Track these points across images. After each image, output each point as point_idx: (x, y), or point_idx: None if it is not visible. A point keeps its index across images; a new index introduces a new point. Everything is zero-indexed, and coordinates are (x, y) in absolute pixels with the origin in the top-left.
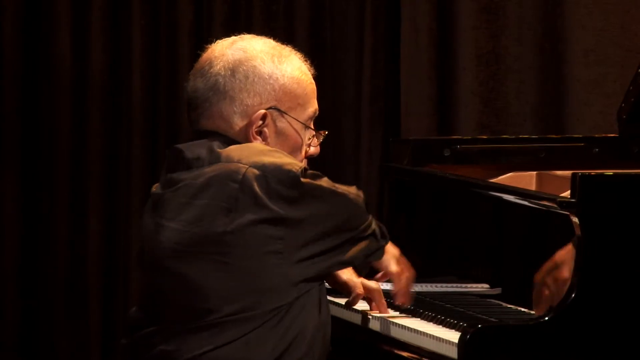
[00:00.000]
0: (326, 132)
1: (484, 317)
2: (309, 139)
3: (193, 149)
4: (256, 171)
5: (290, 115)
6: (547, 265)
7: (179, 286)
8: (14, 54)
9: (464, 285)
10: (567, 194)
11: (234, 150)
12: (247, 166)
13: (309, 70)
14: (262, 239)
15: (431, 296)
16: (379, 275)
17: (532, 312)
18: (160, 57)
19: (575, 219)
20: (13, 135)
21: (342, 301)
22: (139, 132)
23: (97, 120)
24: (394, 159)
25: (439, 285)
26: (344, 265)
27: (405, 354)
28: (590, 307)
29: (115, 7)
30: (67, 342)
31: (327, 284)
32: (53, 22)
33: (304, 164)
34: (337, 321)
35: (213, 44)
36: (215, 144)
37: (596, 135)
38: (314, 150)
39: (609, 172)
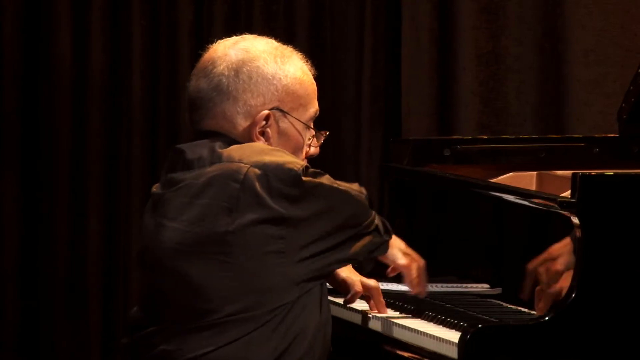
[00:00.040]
0: (327, 133)
1: (484, 317)
2: (309, 139)
3: (195, 149)
4: (257, 170)
5: (292, 116)
6: (542, 256)
7: (180, 286)
8: (14, 54)
9: (464, 285)
10: (567, 194)
11: (235, 150)
12: (248, 166)
13: (310, 71)
14: (264, 239)
15: (431, 296)
16: (389, 269)
17: (532, 312)
18: (160, 57)
19: (575, 219)
20: (13, 135)
21: (342, 301)
22: (139, 132)
23: (97, 120)
24: (394, 159)
25: (439, 285)
26: (346, 261)
27: (405, 354)
28: (590, 307)
29: (115, 7)
30: (67, 342)
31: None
32: (53, 22)
33: (305, 162)
34: (337, 321)
35: (215, 44)
36: (217, 144)
37: (596, 135)
38: (313, 150)
39: (609, 172)
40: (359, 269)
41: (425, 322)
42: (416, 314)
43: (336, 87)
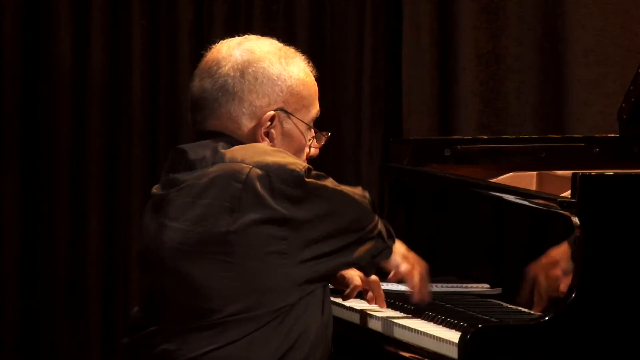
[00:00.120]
0: (329, 134)
1: (484, 317)
2: (309, 139)
3: (197, 149)
4: (259, 171)
5: (296, 117)
6: (542, 260)
7: (182, 286)
8: (14, 54)
9: (464, 285)
10: (567, 194)
11: (237, 151)
12: (250, 166)
13: (312, 72)
14: (266, 239)
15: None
16: (390, 275)
17: (532, 312)
18: (160, 57)
19: (575, 219)
20: (13, 135)
21: (341, 297)
22: (139, 132)
23: (97, 120)
24: (394, 159)
25: (439, 285)
26: (349, 265)
27: (405, 353)
28: (590, 307)
29: (115, 7)
30: (67, 342)
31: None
32: (53, 22)
33: (307, 164)
34: (337, 321)
35: (217, 44)
36: (220, 145)
37: (596, 135)
38: (313, 151)
39: (609, 172)
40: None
41: (425, 322)
42: (416, 314)
43: (336, 87)
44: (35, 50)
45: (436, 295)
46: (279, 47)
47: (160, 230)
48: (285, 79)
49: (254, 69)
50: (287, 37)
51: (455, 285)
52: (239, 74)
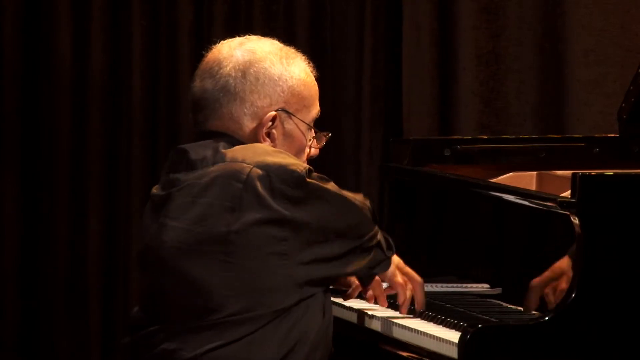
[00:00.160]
0: (330, 135)
1: (484, 317)
2: (310, 140)
3: (198, 149)
4: (260, 171)
5: (297, 117)
6: (546, 275)
7: (182, 285)
8: (14, 54)
9: (464, 285)
10: (567, 194)
11: (238, 151)
12: (251, 166)
13: (312, 72)
14: (266, 240)
15: (431, 296)
16: (384, 287)
17: (532, 312)
18: (160, 57)
19: (575, 219)
20: (13, 135)
21: (342, 300)
22: (139, 132)
23: (97, 120)
24: (394, 159)
25: (439, 285)
26: (348, 275)
27: (405, 353)
28: (590, 307)
29: (115, 7)
30: (67, 342)
31: None
32: (53, 22)
33: (307, 165)
34: (337, 321)
35: (218, 45)
36: (221, 145)
37: (596, 135)
38: (313, 151)
39: (609, 172)
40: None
41: (425, 322)
42: (416, 313)
43: (336, 87)
44: (35, 50)
45: (436, 295)
46: (280, 48)
47: (161, 230)
48: (286, 79)
49: (255, 69)
50: (287, 37)
51: (455, 285)
52: (240, 74)
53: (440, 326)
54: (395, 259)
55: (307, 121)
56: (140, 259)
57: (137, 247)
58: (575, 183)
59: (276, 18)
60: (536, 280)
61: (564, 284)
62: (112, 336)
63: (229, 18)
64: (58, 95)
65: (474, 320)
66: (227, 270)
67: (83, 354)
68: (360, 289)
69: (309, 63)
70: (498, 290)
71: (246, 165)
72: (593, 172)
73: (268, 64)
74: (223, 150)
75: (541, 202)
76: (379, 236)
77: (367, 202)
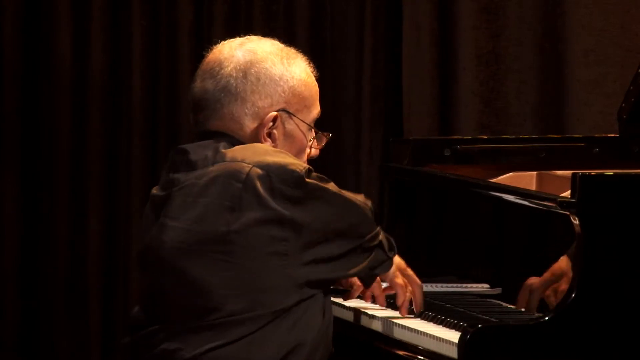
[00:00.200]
0: (330, 135)
1: (484, 317)
2: (310, 140)
3: (198, 149)
4: (260, 171)
5: (298, 117)
6: (546, 276)
7: (182, 285)
8: (14, 54)
9: (464, 285)
10: (567, 194)
11: (238, 151)
12: (250, 165)
13: (313, 73)
14: (266, 240)
15: (431, 296)
16: (384, 288)
17: (532, 312)
18: (160, 57)
19: (575, 219)
20: (13, 135)
21: (342, 300)
22: (139, 132)
23: (97, 120)
24: (394, 159)
25: (439, 285)
26: (349, 275)
27: (405, 353)
28: (590, 307)
29: (115, 7)
30: (67, 342)
31: None
32: (53, 22)
33: (307, 165)
34: (337, 321)
35: (219, 45)
36: (222, 145)
37: (596, 135)
38: (314, 152)
39: (609, 172)
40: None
41: (425, 322)
42: (415, 314)
43: (336, 87)
44: (35, 50)
45: (436, 295)
46: (281, 48)
47: (161, 230)
48: (287, 80)
49: (256, 69)
50: (287, 37)
51: (455, 285)
52: (241, 74)
53: (440, 326)
54: (397, 259)
55: (307, 121)
56: (140, 259)
57: (137, 247)
58: (575, 183)
59: (276, 18)
60: (530, 280)
61: (563, 285)
62: (112, 336)
63: (229, 18)
64: (58, 95)
65: (474, 320)
66: (227, 270)
67: (83, 354)
68: (360, 289)
69: (309, 63)
70: (498, 290)
71: (246, 164)
72: (593, 172)
73: (269, 64)
74: (223, 150)
75: (541, 202)
76: (381, 236)
77: (368, 203)
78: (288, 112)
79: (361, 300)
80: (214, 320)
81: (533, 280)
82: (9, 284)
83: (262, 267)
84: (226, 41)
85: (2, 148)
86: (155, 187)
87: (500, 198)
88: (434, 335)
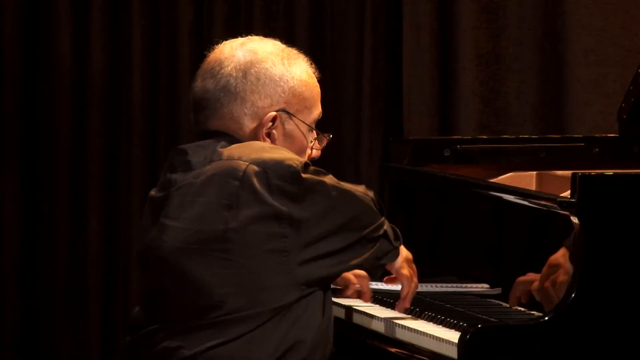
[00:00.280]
0: (330, 136)
1: (484, 317)
2: (311, 141)
3: (198, 150)
4: (256, 167)
5: (298, 118)
6: (543, 271)
7: (183, 284)
8: (14, 54)
9: (464, 285)
10: (567, 194)
11: (234, 149)
12: (247, 163)
13: (314, 73)
14: (264, 237)
15: (431, 296)
16: (387, 278)
17: (532, 312)
18: (160, 57)
19: (575, 219)
20: (13, 135)
21: (341, 301)
22: (139, 132)
23: (97, 120)
24: (394, 159)
25: (439, 285)
26: (353, 267)
27: (405, 353)
28: (590, 307)
29: (115, 7)
30: (67, 342)
31: None
32: (53, 22)
33: (304, 159)
34: (337, 321)
35: (220, 45)
36: (221, 145)
37: (596, 135)
38: (315, 153)
39: (609, 172)
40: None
41: (425, 322)
42: (416, 314)
43: (336, 87)
44: (35, 50)
45: (436, 295)
46: (282, 49)
47: (161, 230)
48: (287, 80)
49: (256, 69)
50: (287, 37)
51: (455, 285)
52: (241, 74)
53: (440, 326)
54: (404, 251)
55: (308, 122)
56: (140, 259)
57: (137, 247)
58: (575, 183)
59: (276, 18)
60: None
61: (560, 276)
62: (112, 336)
63: (229, 18)
64: (58, 95)
65: (473, 320)
66: (227, 268)
67: (83, 354)
68: (355, 286)
69: (311, 64)
70: (498, 290)
71: (242, 162)
72: (593, 172)
73: (269, 65)
74: (220, 149)
75: (541, 202)
76: (386, 226)
77: (370, 193)
78: (288, 113)
79: (360, 300)
80: (214, 318)
81: (527, 277)
82: (9, 284)
83: (261, 264)
84: (228, 41)
85: (2, 148)
86: (152, 190)
87: (500, 198)
88: (433, 335)
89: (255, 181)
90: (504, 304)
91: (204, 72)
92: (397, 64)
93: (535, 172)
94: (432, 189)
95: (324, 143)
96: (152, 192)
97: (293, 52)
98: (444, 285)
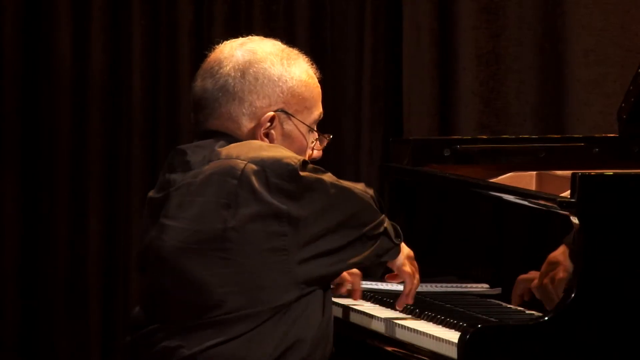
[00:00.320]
0: (330, 136)
1: (484, 317)
2: (312, 142)
3: (197, 150)
4: (255, 166)
5: (297, 118)
6: (543, 269)
7: (183, 284)
8: (14, 54)
9: (464, 285)
10: (567, 194)
11: (233, 148)
12: (245, 162)
13: (315, 74)
14: (263, 235)
15: (431, 296)
16: (389, 275)
17: (532, 312)
18: (160, 57)
19: (575, 219)
20: (13, 135)
21: (341, 300)
22: (139, 132)
23: (97, 120)
24: (394, 159)
25: (439, 285)
26: (353, 265)
27: (405, 353)
28: (590, 307)
29: (115, 7)
30: (67, 342)
31: None
32: (53, 22)
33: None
34: (337, 320)
35: (221, 45)
36: (220, 144)
37: (596, 135)
38: (316, 153)
39: (609, 172)
40: (368, 275)
41: (425, 322)
42: (416, 314)
43: (336, 87)
44: (35, 50)
45: (436, 295)
46: (282, 49)
47: (160, 230)
48: (286, 80)
49: (254, 69)
50: (287, 37)
51: (455, 285)
52: (239, 74)
53: (440, 326)
54: (405, 248)
55: (308, 123)
56: (140, 259)
57: (137, 247)
58: (575, 183)
59: (276, 18)
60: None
61: (560, 273)
62: (112, 336)
63: (229, 18)
64: (58, 95)
65: (473, 320)
66: (226, 267)
67: (83, 354)
68: (349, 283)
69: (312, 65)
70: (498, 290)
71: (240, 161)
72: (593, 172)
73: (268, 65)
74: (218, 149)
75: (541, 202)
76: (386, 224)
77: (369, 191)
78: (287, 113)
79: (362, 301)
80: (213, 317)
81: (528, 275)
82: (9, 284)
83: (260, 263)
84: (229, 41)
85: (2, 148)
86: (151, 191)
87: (500, 198)
88: (433, 335)
89: (253, 180)
90: (504, 304)
91: (203, 72)
92: (397, 64)
93: (535, 172)
94: (432, 189)
95: (324, 143)
96: (151, 194)
97: (293, 52)
98: (444, 285)
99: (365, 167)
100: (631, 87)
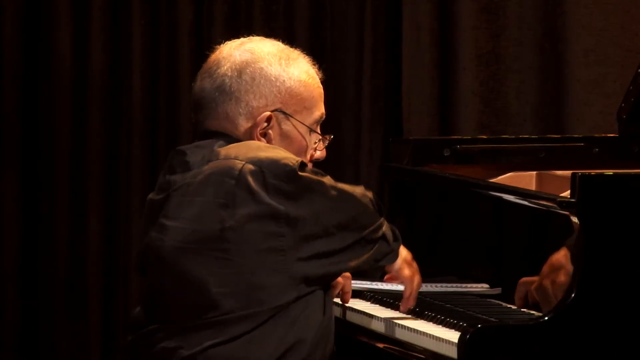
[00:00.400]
0: (331, 137)
1: (484, 317)
2: (315, 143)
3: (196, 150)
4: (252, 167)
5: (295, 119)
6: (544, 270)
7: (182, 284)
8: (14, 54)
9: (464, 285)
10: (567, 194)
11: (231, 148)
12: (243, 162)
13: (317, 74)
14: (261, 236)
15: (431, 296)
16: (386, 276)
17: (532, 312)
18: (160, 57)
19: (575, 219)
20: (13, 135)
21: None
22: (139, 132)
23: (97, 120)
24: (394, 159)
25: (439, 285)
26: (351, 269)
27: (404, 353)
28: (590, 307)
29: (115, 7)
30: (67, 342)
31: None
32: (53, 22)
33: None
34: (337, 321)
35: (222, 45)
36: (218, 145)
37: (596, 135)
38: (319, 154)
39: (609, 172)
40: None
41: (425, 322)
42: (416, 314)
43: (336, 87)
44: (35, 50)
45: (436, 295)
46: (281, 49)
47: (160, 230)
48: (284, 80)
49: (251, 69)
50: (287, 37)
51: (455, 285)
52: (236, 74)
53: (440, 326)
54: (404, 251)
55: (307, 123)
56: (139, 259)
57: (137, 247)
58: (575, 183)
59: (276, 18)
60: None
61: (560, 276)
62: (112, 336)
63: (229, 18)
64: (58, 95)
65: (473, 320)
66: (225, 268)
67: (83, 354)
68: (341, 285)
69: (314, 65)
70: (498, 290)
71: (238, 161)
72: (593, 172)
73: (265, 64)
74: (217, 149)
75: (541, 202)
76: (385, 227)
77: (368, 194)
78: (284, 113)
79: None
80: (212, 318)
81: (528, 278)
82: (9, 284)
83: (258, 264)
84: (230, 41)
85: (2, 148)
86: (151, 193)
87: (500, 198)
88: (433, 335)
89: (251, 180)
90: (504, 304)
91: (203, 72)
92: (397, 64)
93: (535, 172)
94: (432, 189)
95: (325, 144)
96: (151, 195)
97: (293, 52)
98: (444, 285)
99: (365, 167)
100: (631, 87)
